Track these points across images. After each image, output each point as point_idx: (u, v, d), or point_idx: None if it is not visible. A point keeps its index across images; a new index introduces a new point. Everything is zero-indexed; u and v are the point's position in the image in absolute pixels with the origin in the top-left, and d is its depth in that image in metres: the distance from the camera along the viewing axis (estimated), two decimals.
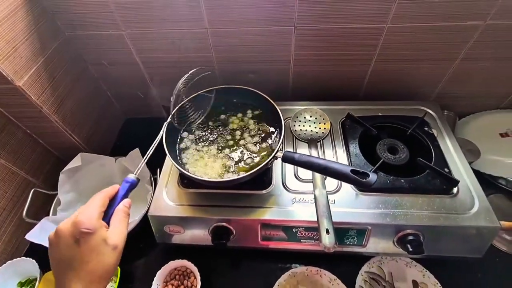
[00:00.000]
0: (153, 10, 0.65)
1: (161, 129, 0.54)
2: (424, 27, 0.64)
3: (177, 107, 0.59)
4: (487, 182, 0.71)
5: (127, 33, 0.71)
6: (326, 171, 0.47)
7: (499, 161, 0.71)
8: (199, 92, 0.63)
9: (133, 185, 0.41)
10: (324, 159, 0.49)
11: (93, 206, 0.37)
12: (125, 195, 0.40)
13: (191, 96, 0.62)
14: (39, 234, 0.62)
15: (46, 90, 0.66)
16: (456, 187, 0.56)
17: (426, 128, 0.65)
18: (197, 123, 0.65)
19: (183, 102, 0.61)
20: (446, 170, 0.58)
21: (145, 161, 0.46)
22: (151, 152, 0.46)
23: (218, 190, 0.59)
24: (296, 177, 0.61)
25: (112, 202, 0.39)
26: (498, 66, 0.71)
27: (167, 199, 0.59)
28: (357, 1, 0.60)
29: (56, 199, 0.71)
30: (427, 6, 0.60)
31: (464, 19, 0.62)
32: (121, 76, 0.82)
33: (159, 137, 0.50)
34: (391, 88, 0.78)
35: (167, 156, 0.55)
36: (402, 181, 0.57)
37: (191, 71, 0.56)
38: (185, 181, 0.60)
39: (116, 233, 0.37)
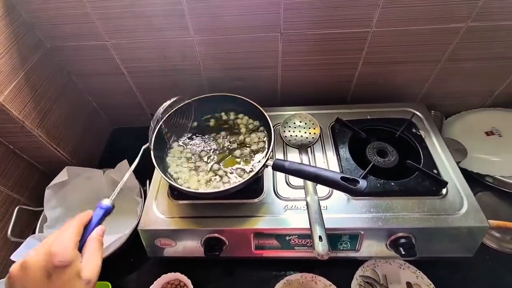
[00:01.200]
0: (137, 19, 0.64)
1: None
2: (408, 31, 0.65)
3: (155, 132, 0.57)
4: (475, 180, 0.72)
5: (111, 43, 0.69)
6: (317, 179, 0.47)
7: (486, 159, 0.72)
8: (180, 104, 0.62)
9: (108, 212, 0.39)
10: (314, 166, 0.49)
11: (68, 235, 0.33)
12: (99, 222, 0.38)
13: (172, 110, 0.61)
14: (25, 254, 0.60)
15: (28, 104, 0.64)
16: (445, 188, 0.56)
17: (414, 130, 0.66)
18: (184, 134, 0.64)
19: (169, 114, 0.60)
20: (435, 171, 0.58)
21: (122, 183, 0.44)
22: (126, 177, 0.45)
23: (209, 200, 0.58)
24: (288, 184, 0.60)
25: (85, 230, 0.37)
26: (480, 66, 0.73)
27: (157, 212, 0.57)
28: (342, 7, 0.61)
29: (42, 215, 0.69)
30: (409, 10, 0.61)
31: (446, 22, 0.63)
32: (106, 87, 0.81)
33: (136, 162, 0.49)
34: (378, 91, 0.78)
35: (155, 169, 0.54)
36: (393, 184, 0.57)
37: (170, 101, 0.55)
38: (175, 192, 0.60)
39: (90, 266, 0.33)
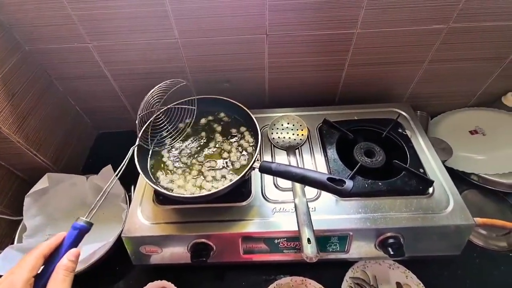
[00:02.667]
0: (120, 21, 0.63)
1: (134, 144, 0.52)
2: (392, 32, 0.65)
3: (143, 128, 0.55)
4: (460, 178, 0.73)
5: (93, 46, 0.68)
6: (304, 180, 0.46)
7: (470, 157, 0.73)
8: (169, 106, 0.60)
9: (83, 231, 0.36)
10: (301, 168, 0.48)
11: (19, 273, 0.30)
12: (73, 244, 0.35)
13: (161, 110, 0.60)
14: (3, 265, 0.57)
15: (4, 109, 0.62)
16: (432, 187, 0.57)
17: (400, 130, 0.67)
18: (171, 138, 0.63)
19: (156, 116, 0.58)
20: (421, 170, 0.59)
21: (105, 196, 0.42)
22: (111, 185, 0.43)
23: (196, 205, 0.57)
24: (276, 186, 0.60)
25: (55, 256, 0.33)
26: (463, 67, 0.74)
27: (141, 218, 0.56)
28: (326, 8, 0.61)
29: (21, 224, 0.66)
30: (392, 11, 0.62)
31: (428, 23, 0.64)
32: (90, 90, 0.79)
33: (125, 162, 0.47)
34: (365, 92, 0.79)
35: (140, 173, 0.52)
36: (380, 184, 0.57)
37: (159, 85, 0.53)
38: (161, 197, 0.58)
39: None
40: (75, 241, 0.35)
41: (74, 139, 0.83)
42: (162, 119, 0.60)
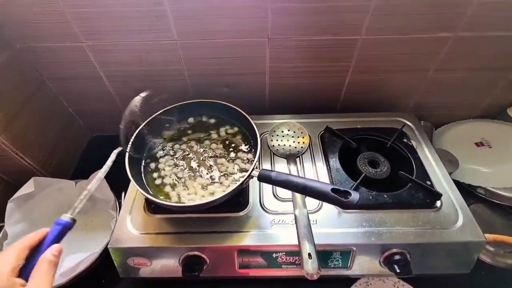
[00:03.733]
0: (116, 20, 0.60)
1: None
2: (397, 39, 0.64)
3: (132, 139, 0.53)
4: (466, 191, 0.70)
5: (88, 45, 0.65)
6: (305, 190, 0.43)
7: (476, 170, 0.71)
8: (157, 113, 0.58)
9: (66, 228, 0.36)
10: (303, 177, 0.46)
11: (5, 260, 0.31)
12: (56, 240, 0.35)
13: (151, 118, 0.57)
14: None
15: None
16: (439, 200, 0.54)
17: (405, 140, 0.64)
18: (164, 141, 0.60)
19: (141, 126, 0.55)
20: (428, 182, 0.56)
21: (88, 195, 0.41)
22: (94, 186, 0.42)
23: (189, 214, 0.53)
24: (275, 196, 0.56)
25: (38, 250, 0.34)
26: (469, 77, 0.72)
27: (131, 227, 0.52)
28: (331, 13, 0.59)
29: (2, 231, 0.62)
30: (399, 18, 0.60)
31: (435, 31, 0.62)
32: (83, 91, 0.75)
33: (106, 166, 0.45)
34: (368, 100, 0.77)
35: (131, 180, 0.49)
36: (385, 196, 0.54)
37: (140, 95, 0.51)
38: (152, 206, 0.55)
39: None
40: (58, 237, 0.35)
41: (66, 142, 0.80)
42: (148, 128, 0.57)
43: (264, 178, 0.46)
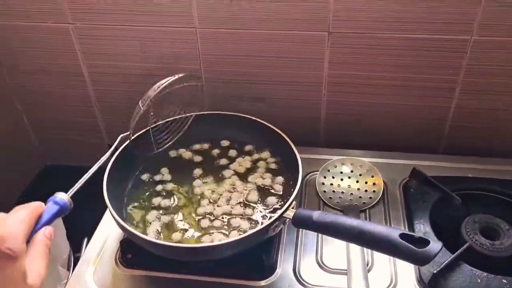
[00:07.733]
0: None
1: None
2: None
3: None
4: None
5: (75, 27, 0.53)
6: (362, 237, 0.35)
7: None
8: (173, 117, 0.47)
9: (62, 210, 0.31)
10: (358, 219, 0.38)
11: (20, 224, 0.27)
12: (49, 222, 0.30)
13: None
14: None
15: None
16: None
17: None
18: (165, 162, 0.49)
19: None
20: None
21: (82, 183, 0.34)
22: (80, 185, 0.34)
23: (182, 275, 0.41)
24: (319, 264, 0.43)
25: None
26: None
27: (92, 285, 0.40)
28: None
29: None
30: None
31: None
32: (51, 91, 0.62)
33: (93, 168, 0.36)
34: (486, 137, 0.58)
35: (108, 208, 0.38)
36: (505, 282, 0.40)
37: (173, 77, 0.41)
38: (129, 255, 0.43)
39: (36, 271, 0.26)
40: (52, 219, 0.31)
41: (8, 166, 0.62)
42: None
43: (302, 220, 0.38)
